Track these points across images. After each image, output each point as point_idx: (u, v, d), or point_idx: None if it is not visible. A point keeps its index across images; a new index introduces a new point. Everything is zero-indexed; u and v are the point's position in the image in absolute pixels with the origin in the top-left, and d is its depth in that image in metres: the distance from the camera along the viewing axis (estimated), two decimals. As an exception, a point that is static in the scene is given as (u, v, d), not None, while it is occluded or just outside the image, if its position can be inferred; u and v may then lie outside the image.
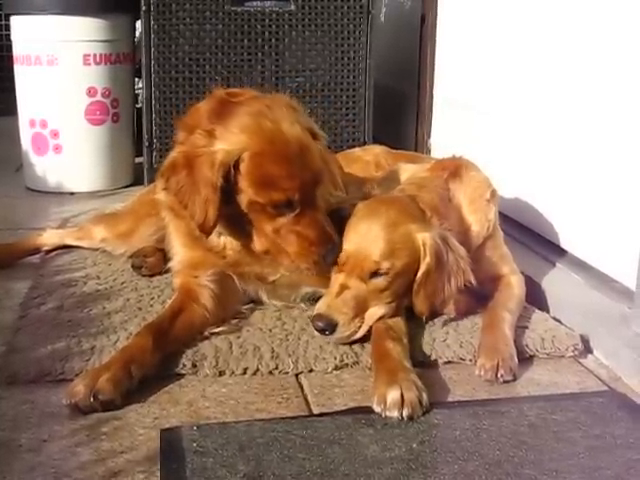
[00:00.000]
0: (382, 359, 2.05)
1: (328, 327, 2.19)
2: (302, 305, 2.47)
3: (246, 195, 2.19)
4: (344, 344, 2.22)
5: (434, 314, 2.36)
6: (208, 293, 2.34)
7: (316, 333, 2.24)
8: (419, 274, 2.24)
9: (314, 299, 2.42)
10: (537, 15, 3.16)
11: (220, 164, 2.14)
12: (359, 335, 2.22)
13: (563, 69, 2.95)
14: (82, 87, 3.94)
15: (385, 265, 2.21)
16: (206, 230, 2.22)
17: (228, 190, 2.17)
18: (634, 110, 2.50)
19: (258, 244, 2.28)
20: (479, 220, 2.48)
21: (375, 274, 2.21)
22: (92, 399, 1.87)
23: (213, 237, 2.31)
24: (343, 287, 2.22)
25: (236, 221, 2.27)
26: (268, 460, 1.69)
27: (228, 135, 2.17)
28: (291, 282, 2.42)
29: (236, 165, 2.16)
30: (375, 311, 2.23)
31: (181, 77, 3.82)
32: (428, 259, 2.22)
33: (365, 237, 2.23)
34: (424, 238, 2.23)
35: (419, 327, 2.31)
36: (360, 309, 2.22)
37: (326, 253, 2.22)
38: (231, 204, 2.21)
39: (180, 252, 2.45)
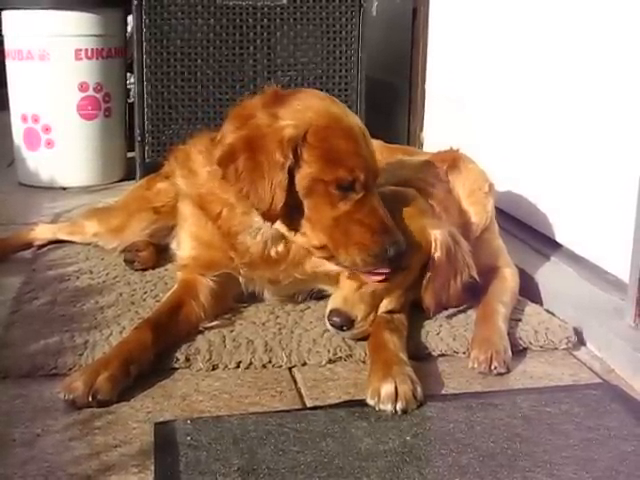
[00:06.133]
0: (378, 350, 2.05)
1: (346, 323, 2.15)
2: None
3: (310, 174, 2.07)
4: (357, 340, 2.19)
5: (440, 309, 2.36)
6: (208, 291, 2.32)
7: (331, 329, 2.19)
8: (429, 269, 2.25)
9: (318, 297, 2.43)
10: (530, 8, 3.16)
11: (289, 140, 2.03)
12: (370, 330, 2.18)
13: (556, 63, 2.95)
14: (74, 82, 3.94)
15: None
16: (272, 217, 2.11)
17: (290, 173, 2.06)
18: (626, 105, 2.51)
19: (315, 237, 2.14)
20: (478, 212, 2.49)
21: None
22: (90, 398, 1.86)
23: (244, 237, 2.24)
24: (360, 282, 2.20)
25: (292, 213, 2.14)
26: (262, 453, 1.69)
27: (293, 113, 2.09)
28: (302, 281, 2.38)
29: (303, 141, 2.06)
30: (385, 305, 2.22)
31: (173, 72, 3.81)
32: (439, 254, 2.23)
33: None
34: (436, 234, 2.24)
35: (413, 320, 2.30)
36: (376, 304, 2.20)
37: (389, 245, 2.08)
38: (290, 192, 2.08)
39: (195, 248, 2.38)
